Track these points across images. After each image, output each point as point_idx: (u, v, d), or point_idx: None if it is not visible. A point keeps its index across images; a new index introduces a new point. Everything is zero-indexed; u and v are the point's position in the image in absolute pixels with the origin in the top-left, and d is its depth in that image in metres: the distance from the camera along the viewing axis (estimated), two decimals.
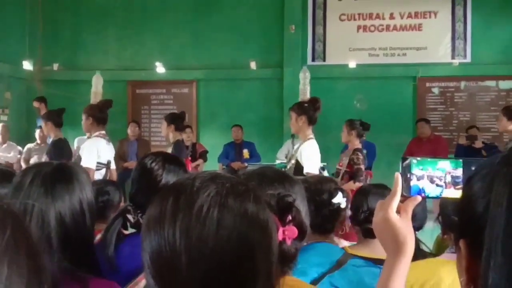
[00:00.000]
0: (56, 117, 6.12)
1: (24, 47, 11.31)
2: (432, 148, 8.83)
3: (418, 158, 1.19)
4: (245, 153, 9.59)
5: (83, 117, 5.52)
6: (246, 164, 9.38)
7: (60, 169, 1.73)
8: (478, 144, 8.56)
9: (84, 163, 5.17)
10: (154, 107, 11.23)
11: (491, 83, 10.26)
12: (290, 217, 1.22)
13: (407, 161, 1.20)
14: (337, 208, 2.35)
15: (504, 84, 10.21)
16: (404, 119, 10.37)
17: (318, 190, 2.35)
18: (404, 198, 1.21)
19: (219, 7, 11.02)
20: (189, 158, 8.58)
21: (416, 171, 1.20)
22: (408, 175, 1.19)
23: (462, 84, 10.36)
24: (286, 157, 5.17)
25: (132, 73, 11.27)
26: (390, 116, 10.22)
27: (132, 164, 7.51)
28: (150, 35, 11.24)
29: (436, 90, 10.47)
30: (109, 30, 11.40)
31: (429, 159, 1.21)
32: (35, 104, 9.20)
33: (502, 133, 9.49)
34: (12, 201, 1.56)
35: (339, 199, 2.35)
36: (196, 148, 9.55)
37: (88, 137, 5.64)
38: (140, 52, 11.26)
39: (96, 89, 5.86)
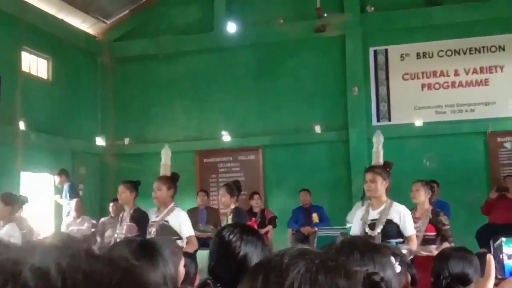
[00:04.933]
0: (135, 189, 6.24)
1: (97, 123, 11.85)
2: None
3: (508, 237, 1.14)
4: (315, 217, 9.47)
5: (164, 188, 5.61)
6: (316, 229, 9.27)
7: (145, 245, 1.75)
8: None
9: (190, 231, 5.52)
10: (222, 175, 11.35)
11: None
12: None
13: (498, 241, 1.16)
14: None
15: None
16: (476, 176, 10.05)
17: None
18: (498, 280, 1.15)
19: (281, 73, 11.22)
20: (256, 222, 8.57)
21: (507, 249, 1.15)
22: (501, 256, 1.15)
23: None
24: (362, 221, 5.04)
25: (199, 143, 11.52)
26: (462, 173, 9.93)
27: (203, 233, 7.56)
28: (215, 104, 11.52)
29: (508, 145, 10.13)
30: (175, 102, 11.77)
31: None
32: (56, 178, 9.59)
33: None
34: None
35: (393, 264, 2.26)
36: (265, 214, 9.52)
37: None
38: (206, 122, 11.53)
39: (165, 162, 5.96)
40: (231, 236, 2.18)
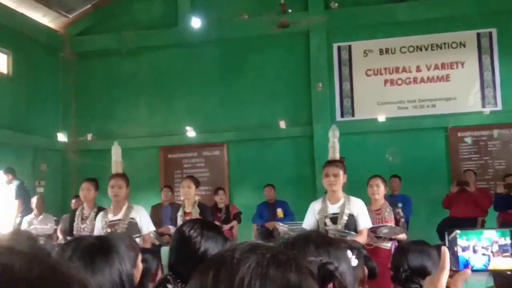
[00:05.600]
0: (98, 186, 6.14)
1: (59, 119, 11.67)
2: (473, 199, 8.62)
3: (463, 230, 1.16)
4: (279, 212, 9.51)
5: (124, 186, 5.52)
6: (280, 224, 9.30)
7: (99, 242, 1.73)
8: None
9: (152, 228, 5.59)
10: (186, 170, 11.29)
11: None
12: (331, 286, 1.18)
13: (452, 234, 1.17)
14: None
15: None
16: (438, 171, 10.23)
17: None
18: (453, 273, 1.17)
19: (245, 69, 11.22)
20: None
21: (461, 242, 1.17)
22: (455, 248, 1.16)
23: (495, 132, 10.22)
24: (321, 215, 5.08)
25: (163, 139, 11.45)
26: (424, 167, 10.10)
27: (166, 229, 7.49)
28: (180, 100, 11.45)
29: (468, 140, 10.34)
30: (139, 97, 11.66)
31: (474, 230, 1.18)
32: (5, 176, 9.35)
33: None
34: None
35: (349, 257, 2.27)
36: (229, 209, 9.52)
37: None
38: (171, 118, 11.45)
39: (117, 159, 5.84)
40: (191, 232, 2.17)
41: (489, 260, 1.08)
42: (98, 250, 1.69)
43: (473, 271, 1.12)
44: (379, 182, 5.89)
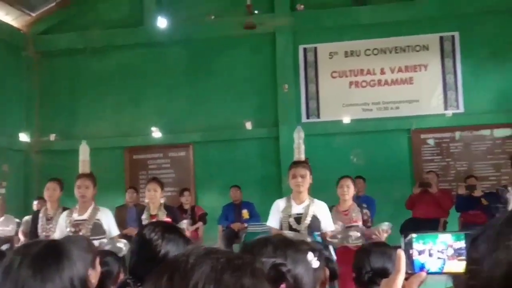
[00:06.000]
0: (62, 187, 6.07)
1: (21, 119, 11.43)
2: (435, 200, 8.78)
3: (419, 233, 1.18)
4: (245, 213, 9.53)
5: (91, 186, 5.46)
6: (246, 225, 9.33)
7: (49, 248, 1.68)
8: (477, 193, 8.53)
9: (117, 231, 5.52)
10: (152, 171, 11.21)
11: (486, 132, 10.33)
12: (284, 287, 1.20)
13: (408, 237, 1.20)
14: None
15: (499, 132, 10.27)
16: (401, 172, 10.37)
17: None
18: (408, 275, 1.19)
19: (212, 69, 11.19)
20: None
21: (417, 245, 1.19)
22: (410, 252, 1.19)
23: (457, 134, 10.43)
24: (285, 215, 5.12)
25: (128, 139, 11.34)
26: (388, 169, 10.22)
27: (131, 231, 7.44)
28: (145, 100, 11.37)
29: (431, 142, 10.52)
30: (104, 97, 11.52)
31: (429, 234, 1.21)
32: None
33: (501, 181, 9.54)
34: None
35: (310, 259, 2.28)
36: (195, 211, 9.52)
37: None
38: (136, 118, 11.35)
39: (84, 158, 5.79)
40: (152, 235, 2.15)
41: (444, 263, 1.10)
42: (48, 257, 1.65)
43: (429, 274, 1.15)
44: (349, 183, 5.95)
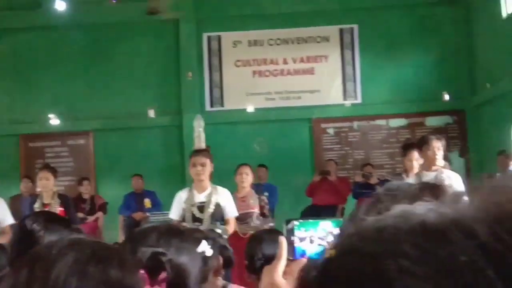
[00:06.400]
0: None
1: None
2: (334, 188, 9.06)
3: (301, 220, 1.20)
4: (147, 202, 9.39)
5: None
6: (148, 214, 9.20)
7: None
8: (373, 180, 8.88)
9: (12, 220, 5.17)
10: (49, 160, 10.75)
11: (381, 122, 10.78)
12: (164, 275, 1.18)
13: (290, 224, 1.21)
14: (203, 258, 2.27)
15: (394, 122, 10.75)
16: (302, 160, 10.62)
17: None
18: (289, 262, 1.21)
19: (113, 55, 10.89)
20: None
21: (298, 233, 1.21)
22: (292, 238, 1.21)
23: (355, 124, 10.80)
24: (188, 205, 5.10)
25: (23, 127, 10.83)
26: (289, 157, 10.42)
27: None
28: (42, 86, 10.89)
29: (331, 131, 10.84)
30: None
31: (311, 221, 1.23)
32: None
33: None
34: None
35: (203, 248, 2.28)
36: (94, 200, 9.29)
37: None
38: (32, 104, 10.86)
39: None
40: (34, 226, 2.05)
41: (324, 250, 1.13)
42: None
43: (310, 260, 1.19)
44: (248, 170, 6.07)
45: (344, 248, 0.45)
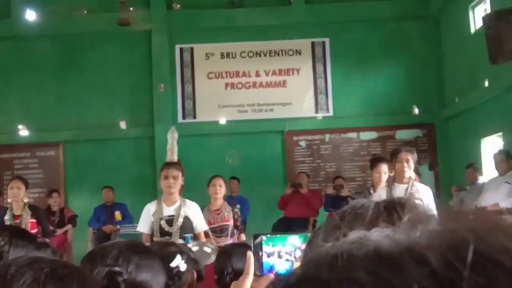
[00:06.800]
0: None
1: None
2: (306, 200, 9.08)
3: (268, 235, 1.20)
4: (117, 215, 9.29)
5: None
6: (118, 227, 9.09)
7: None
8: (344, 192, 8.91)
9: None
10: (18, 172, 10.58)
11: (353, 135, 10.86)
12: None
13: (258, 239, 1.21)
14: (177, 272, 2.24)
15: (365, 135, 10.85)
16: (274, 173, 10.64)
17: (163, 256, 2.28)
18: (257, 277, 1.21)
19: (84, 66, 10.81)
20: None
21: (266, 248, 1.21)
22: (260, 253, 1.20)
23: (327, 136, 10.87)
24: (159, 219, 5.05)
25: None
26: (261, 170, 10.43)
27: None
28: (11, 96, 10.74)
29: (303, 143, 10.88)
30: None
31: (279, 235, 1.23)
32: None
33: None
34: None
35: (178, 262, 2.26)
36: (64, 213, 9.16)
37: None
38: (0, 115, 10.69)
39: None
40: None
41: (292, 265, 1.13)
42: None
43: (278, 275, 1.18)
44: (221, 182, 6.04)
45: (300, 275, 0.45)
